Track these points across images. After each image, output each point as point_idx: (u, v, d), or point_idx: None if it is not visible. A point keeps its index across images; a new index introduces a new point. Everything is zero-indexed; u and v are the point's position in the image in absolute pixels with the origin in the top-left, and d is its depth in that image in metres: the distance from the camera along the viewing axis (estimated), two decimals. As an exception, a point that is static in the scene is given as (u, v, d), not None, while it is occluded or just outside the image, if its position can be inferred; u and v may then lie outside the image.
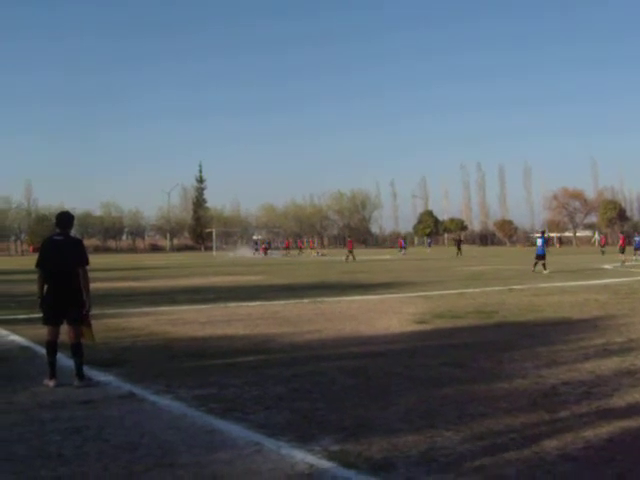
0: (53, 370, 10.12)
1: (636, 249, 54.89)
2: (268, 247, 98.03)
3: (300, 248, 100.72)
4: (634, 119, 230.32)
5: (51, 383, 9.99)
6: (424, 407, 8.59)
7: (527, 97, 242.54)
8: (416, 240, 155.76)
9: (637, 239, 57.71)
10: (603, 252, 73.40)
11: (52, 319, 10.25)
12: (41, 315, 10.41)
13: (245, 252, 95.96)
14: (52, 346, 10.22)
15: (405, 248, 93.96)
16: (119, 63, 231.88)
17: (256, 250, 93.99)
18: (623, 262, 48.97)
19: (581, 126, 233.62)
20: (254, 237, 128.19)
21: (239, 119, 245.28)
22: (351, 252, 64.70)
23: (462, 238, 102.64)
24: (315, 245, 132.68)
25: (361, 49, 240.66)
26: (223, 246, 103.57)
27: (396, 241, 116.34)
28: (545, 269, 38.45)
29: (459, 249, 79.47)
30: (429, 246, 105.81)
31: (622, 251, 51.68)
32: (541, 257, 39.91)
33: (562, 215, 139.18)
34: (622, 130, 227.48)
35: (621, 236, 54.40)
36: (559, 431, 7.48)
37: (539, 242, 41.79)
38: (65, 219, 10.58)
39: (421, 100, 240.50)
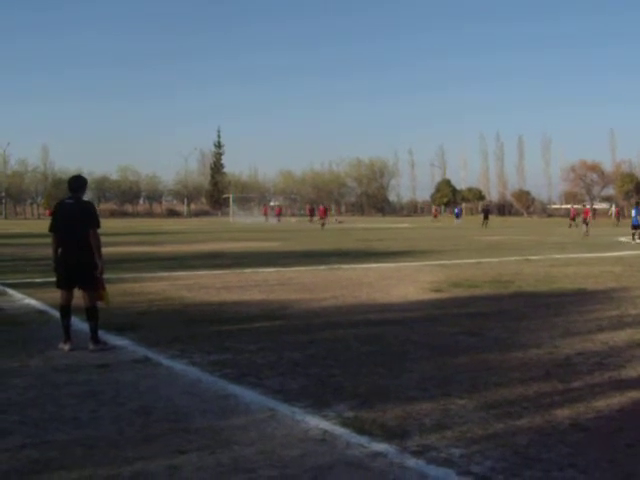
0: (68, 334, 10.16)
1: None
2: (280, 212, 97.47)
3: (310, 216, 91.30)
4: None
5: (66, 347, 10.05)
6: (439, 375, 8.62)
7: (546, 68, 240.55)
8: (433, 208, 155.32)
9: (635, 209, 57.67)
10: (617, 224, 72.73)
11: (65, 283, 10.29)
12: (55, 279, 10.46)
13: (255, 218, 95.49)
14: (65, 310, 10.27)
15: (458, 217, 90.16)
16: (139, 29, 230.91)
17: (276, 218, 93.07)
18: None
19: (600, 98, 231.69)
20: (271, 203, 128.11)
21: (257, 86, 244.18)
22: (322, 220, 64.00)
23: (490, 207, 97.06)
24: (331, 213, 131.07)
25: (381, 18, 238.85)
26: (240, 212, 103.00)
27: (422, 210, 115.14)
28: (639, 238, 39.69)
29: (486, 218, 74.25)
30: (457, 217, 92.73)
31: (586, 222, 51.31)
32: (637, 227, 40.74)
33: (579, 187, 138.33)
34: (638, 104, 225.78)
35: (587, 210, 53.94)
36: (571, 401, 7.50)
37: (634, 212, 42.52)
38: (77, 183, 10.54)
39: (440, 70, 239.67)
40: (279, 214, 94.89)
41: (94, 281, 10.21)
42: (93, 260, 10.10)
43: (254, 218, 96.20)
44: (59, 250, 10.26)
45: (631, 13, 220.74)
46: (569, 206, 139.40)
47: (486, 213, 76.84)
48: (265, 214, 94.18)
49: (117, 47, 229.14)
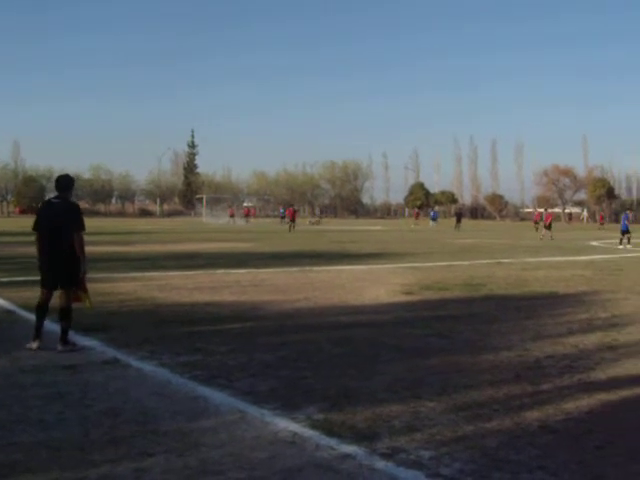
0: (38, 333, 10.06)
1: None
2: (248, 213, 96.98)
3: (282, 218, 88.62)
4: (626, 99, 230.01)
5: (34, 345, 9.95)
6: (409, 377, 8.63)
7: (520, 72, 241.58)
8: (407, 211, 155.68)
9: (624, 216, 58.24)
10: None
11: (47, 282, 10.22)
12: (40, 278, 10.37)
13: (228, 219, 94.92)
14: (43, 309, 10.20)
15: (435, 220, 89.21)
16: (117, 29, 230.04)
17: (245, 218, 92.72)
18: (542, 237, 49.96)
19: (573, 104, 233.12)
20: (244, 204, 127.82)
21: (232, 87, 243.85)
22: (292, 222, 63.69)
23: (462, 211, 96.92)
24: (324, 216, 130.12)
25: (360, 21, 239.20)
26: (213, 213, 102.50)
27: (385, 212, 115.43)
28: (628, 243, 40.77)
29: (459, 222, 75.33)
30: (433, 220, 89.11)
31: (548, 227, 51.42)
32: (625, 232, 41.67)
33: (552, 191, 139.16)
34: (613, 109, 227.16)
35: (547, 213, 54.07)
36: (541, 403, 7.55)
37: (623, 218, 43.78)
38: (64, 182, 10.44)
39: (413, 73, 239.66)
40: (247, 215, 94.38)
41: (75, 282, 10.13)
42: (76, 261, 10.02)
43: (227, 219, 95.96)
44: (43, 249, 10.17)
45: (601, 16, 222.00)
46: (542, 210, 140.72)
47: (459, 216, 77.44)
48: (231, 215, 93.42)
49: (90, 46, 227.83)
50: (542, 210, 56.51)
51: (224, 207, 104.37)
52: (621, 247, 39.84)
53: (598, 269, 24.67)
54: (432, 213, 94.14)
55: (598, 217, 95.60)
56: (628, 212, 45.76)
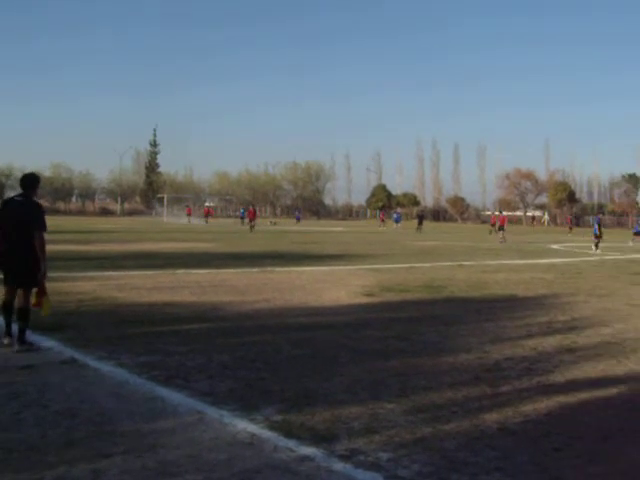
0: (9, 329, 10.13)
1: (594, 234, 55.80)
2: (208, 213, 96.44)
3: (242, 218, 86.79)
4: (588, 103, 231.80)
5: (6, 340, 10.03)
6: (368, 379, 8.63)
7: (483, 75, 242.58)
8: (369, 213, 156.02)
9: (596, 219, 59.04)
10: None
11: (9, 280, 10.16)
12: (2, 276, 10.30)
13: (183, 219, 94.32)
14: (7, 307, 10.23)
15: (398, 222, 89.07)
16: (66, 28, 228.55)
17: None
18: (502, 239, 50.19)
19: (536, 108, 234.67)
20: (206, 203, 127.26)
21: (196, 87, 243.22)
22: (252, 221, 63.32)
23: (424, 213, 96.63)
24: (264, 215, 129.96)
25: (324, 22, 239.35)
26: (174, 212, 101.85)
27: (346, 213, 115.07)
28: (596, 248, 40.48)
29: (420, 224, 74.66)
30: (397, 222, 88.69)
31: (501, 229, 51.46)
32: (598, 236, 41.82)
33: (513, 194, 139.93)
34: (575, 114, 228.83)
35: (501, 216, 54.11)
36: (500, 405, 7.58)
37: (595, 223, 44.03)
38: (29, 181, 10.40)
39: (377, 74, 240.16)
40: (207, 215, 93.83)
41: (34, 282, 10.05)
42: (37, 261, 9.94)
43: (188, 219, 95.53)
44: (3, 248, 10.08)
45: (565, 17, 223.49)
46: (497, 213, 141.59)
47: (420, 219, 77.23)
48: (189, 214, 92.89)
49: (51, 45, 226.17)
50: (497, 213, 56.55)
51: (185, 207, 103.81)
52: (598, 251, 39.84)
53: (558, 272, 24.83)
54: (395, 215, 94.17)
55: (566, 221, 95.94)
56: (600, 216, 45.72)
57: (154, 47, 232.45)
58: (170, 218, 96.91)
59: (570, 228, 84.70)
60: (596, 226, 42.68)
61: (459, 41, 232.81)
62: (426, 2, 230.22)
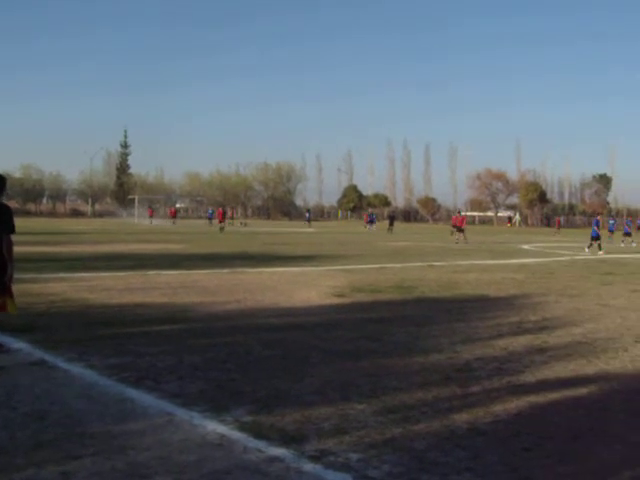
0: None
1: (609, 231, 56.16)
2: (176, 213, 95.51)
3: (210, 219, 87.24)
4: (558, 103, 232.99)
5: None
6: (339, 380, 8.63)
7: (454, 76, 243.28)
8: (340, 213, 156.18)
9: (610, 222, 59.56)
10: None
11: None
12: None
13: (161, 219, 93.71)
14: None
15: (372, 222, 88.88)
16: (39, 30, 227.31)
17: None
18: (458, 240, 49.71)
19: (506, 108, 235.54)
20: (177, 204, 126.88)
21: (166, 88, 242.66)
22: (222, 222, 62.52)
23: (395, 214, 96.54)
24: (237, 216, 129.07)
25: (295, 23, 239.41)
26: (145, 213, 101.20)
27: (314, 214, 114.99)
28: (600, 249, 40.18)
29: (392, 225, 74.64)
30: (371, 223, 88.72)
31: (460, 230, 51.06)
32: (596, 238, 41.36)
33: (484, 195, 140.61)
34: (546, 114, 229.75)
35: (461, 217, 53.72)
36: (470, 405, 7.60)
37: (594, 224, 43.36)
38: None
39: (348, 76, 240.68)
40: (174, 215, 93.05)
41: (2, 287, 9.92)
42: (4, 265, 9.81)
43: (159, 220, 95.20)
44: None
45: (535, 17, 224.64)
46: (474, 213, 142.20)
47: (391, 219, 77.18)
48: (150, 216, 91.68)
49: (22, 46, 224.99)
50: (459, 214, 56.33)
51: (157, 208, 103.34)
52: (587, 251, 40.14)
53: (529, 272, 24.96)
54: (373, 216, 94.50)
55: (555, 222, 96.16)
56: (598, 218, 45.41)
57: (124, 49, 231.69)
58: (141, 219, 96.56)
59: (558, 228, 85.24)
60: (595, 228, 42.26)
61: (429, 43, 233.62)
62: (395, 4, 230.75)
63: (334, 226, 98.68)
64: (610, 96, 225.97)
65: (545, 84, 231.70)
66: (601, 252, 39.73)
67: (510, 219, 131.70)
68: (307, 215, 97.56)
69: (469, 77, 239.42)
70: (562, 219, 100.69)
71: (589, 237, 42.46)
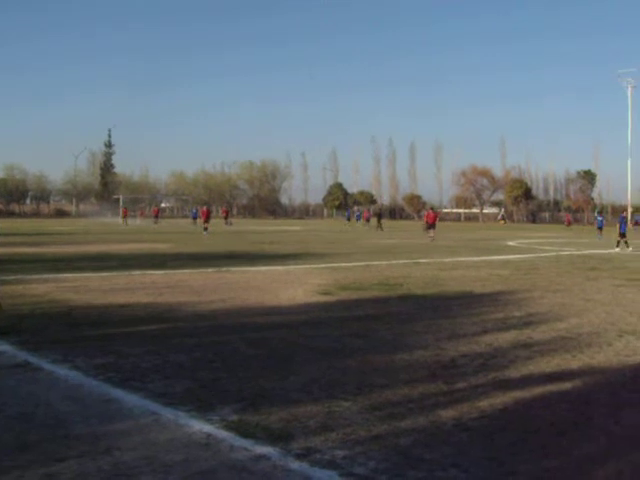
0: None
1: (599, 228, 55.78)
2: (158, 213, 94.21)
3: (194, 219, 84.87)
4: (542, 100, 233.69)
5: None
6: (325, 378, 8.63)
7: (438, 73, 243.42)
8: (325, 212, 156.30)
9: (599, 218, 59.37)
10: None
11: None
12: None
13: (146, 219, 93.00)
14: None
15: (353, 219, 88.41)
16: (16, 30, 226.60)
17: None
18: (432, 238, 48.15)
19: (492, 106, 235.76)
20: (162, 204, 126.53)
21: (150, 87, 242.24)
22: (206, 222, 61.66)
23: (382, 211, 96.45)
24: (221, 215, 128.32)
25: (272, 23, 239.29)
26: (130, 213, 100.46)
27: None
28: (627, 246, 39.51)
29: (379, 222, 74.24)
30: (358, 219, 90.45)
31: (431, 227, 50.02)
32: (623, 235, 40.69)
33: (470, 192, 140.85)
34: (531, 111, 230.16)
35: (432, 213, 52.91)
36: (455, 401, 7.61)
37: (620, 221, 42.91)
38: None
39: (333, 74, 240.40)
40: (157, 215, 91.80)
41: None
42: None
43: (144, 219, 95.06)
44: None
45: (513, 13, 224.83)
46: (460, 210, 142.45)
47: (379, 217, 77.43)
48: (124, 216, 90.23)
49: (3, 46, 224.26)
50: (431, 210, 55.79)
51: (142, 207, 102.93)
52: (629, 249, 39.25)
53: (514, 268, 25.01)
54: (357, 214, 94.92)
55: (565, 218, 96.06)
56: (624, 214, 44.50)
57: (108, 48, 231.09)
58: (126, 219, 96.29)
59: (568, 225, 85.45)
60: (623, 225, 41.56)
61: (413, 41, 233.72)
62: (379, 2, 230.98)
63: (320, 224, 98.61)
64: (594, 92, 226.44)
65: (529, 80, 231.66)
66: (629, 249, 39.15)
67: (503, 217, 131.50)
68: (193, 212, 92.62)
69: (454, 74, 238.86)
70: (571, 216, 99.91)
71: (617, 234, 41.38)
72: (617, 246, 39.95)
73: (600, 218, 59.48)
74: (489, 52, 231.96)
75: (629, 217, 42.05)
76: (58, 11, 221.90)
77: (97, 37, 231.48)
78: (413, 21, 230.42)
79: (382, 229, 69.95)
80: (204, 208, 66.19)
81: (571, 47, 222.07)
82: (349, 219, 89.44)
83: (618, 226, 42.06)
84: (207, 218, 60.65)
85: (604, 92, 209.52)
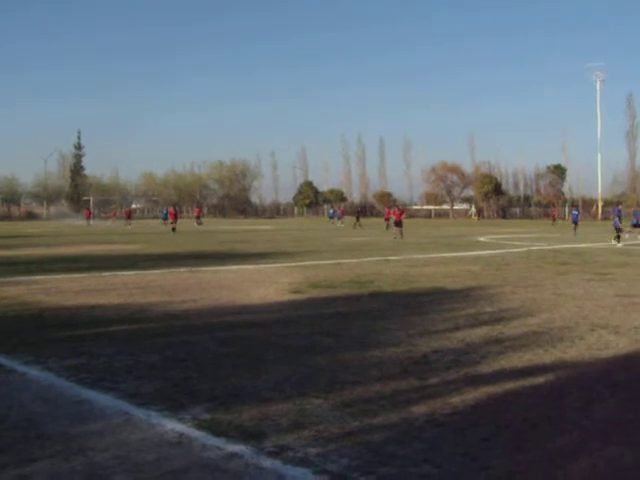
0: None
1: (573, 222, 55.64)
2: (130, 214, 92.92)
3: (164, 219, 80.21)
4: (510, 94, 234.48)
5: None
6: (296, 376, 8.64)
7: (405, 70, 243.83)
8: (296, 210, 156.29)
9: (574, 213, 59.30)
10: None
11: None
12: None
13: (117, 220, 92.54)
14: None
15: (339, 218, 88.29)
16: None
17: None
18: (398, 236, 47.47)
19: (459, 101, 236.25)
20: (132, 205, 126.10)
21: (120, 88, 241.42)
22: (173, 222, 61.20)
23: (360, 210, 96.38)
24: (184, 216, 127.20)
25: (248, 22, 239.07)
26: (100, 214, 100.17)
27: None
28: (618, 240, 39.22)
29: (358, 220, 75.49)
30: (338, 218, 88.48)
31: (398, 225, 49.38)
32: (637, 225, 41.15)
33: (440, 188, 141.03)
34: (499, 106, 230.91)
35: (397, 211, 52.43)
36: (427, 397, 7.63)
37: (634, 214, 43.17)
38: None
39: (301, 73, 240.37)
40: (128, 216, 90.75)
41: None
42: None
43: (116, 221, 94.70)
44: None
45: (481, 10, 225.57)
46: (430, 207, 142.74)
47: (358, 215, 78.25)
48: (88, 218, 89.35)
49: None
50: (395, 208, 55.37)
51: (112, 209, 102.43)
52: (619, 244, 38.63)
53: (485, 264, 25.07)
54: (331, 211, 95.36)
55: (551, 212, 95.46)
56: (619, 208, 43.88)
57: (76, 50, 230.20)
58: (96, 221, 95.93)
59: (554, 220, 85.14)
60: (617, 219, 40.76)
61: (380, 38, 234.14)
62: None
63: (290, 223, 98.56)
64: (563, 86, 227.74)
65: (496, 76, 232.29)
66: (619, 244, 38.65)
67: (479, 213, 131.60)
68: (163, 213, 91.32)
69: (420, 71, 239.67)
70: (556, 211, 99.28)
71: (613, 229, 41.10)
72: (618, 241, 39.44)
73: (575, 212, 59.52)
74: (454, 48, 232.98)
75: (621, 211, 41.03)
76: (23, 12, 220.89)
77: (64, 39, 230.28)
78: (378, 19, 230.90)
79: (361, 226, 70.64)
80: (170, 208, 66.01)
81: (538, 41, 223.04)
82: (331, 217, 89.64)
83: (614, 220, 41.39)
84: (175, 218, 60.40)
85: (572, 86, 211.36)
